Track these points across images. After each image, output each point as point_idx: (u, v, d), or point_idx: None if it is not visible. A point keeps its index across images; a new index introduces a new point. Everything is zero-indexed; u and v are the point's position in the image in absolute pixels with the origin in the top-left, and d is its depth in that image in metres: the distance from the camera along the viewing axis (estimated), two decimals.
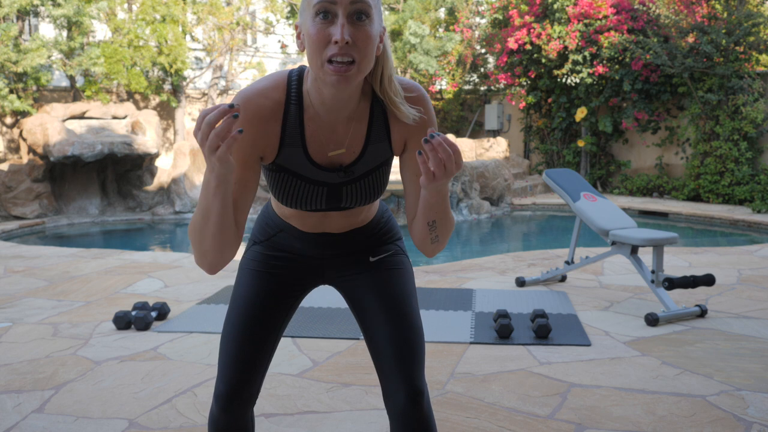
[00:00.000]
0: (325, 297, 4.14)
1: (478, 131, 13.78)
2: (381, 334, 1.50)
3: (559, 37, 10.96)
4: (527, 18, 11.34)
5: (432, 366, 3.00)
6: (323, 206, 1.44)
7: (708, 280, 3.80)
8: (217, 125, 1.11)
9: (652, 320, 3.64)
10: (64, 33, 10.27)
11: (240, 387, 1.50)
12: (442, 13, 14.24)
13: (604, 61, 10.70)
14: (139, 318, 3.57)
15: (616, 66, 10.69)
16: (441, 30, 13.95)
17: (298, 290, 1.59)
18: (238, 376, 1.49)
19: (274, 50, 15.67)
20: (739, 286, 4.58)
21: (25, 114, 9.58)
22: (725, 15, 9.82)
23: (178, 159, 9.51)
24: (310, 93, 1.33)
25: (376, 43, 1.25)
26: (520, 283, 4.60)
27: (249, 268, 1.56)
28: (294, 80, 1.35)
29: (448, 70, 13.33)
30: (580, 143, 11.36)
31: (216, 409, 1.51)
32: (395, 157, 1.47)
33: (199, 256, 1.31)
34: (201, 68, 13.03)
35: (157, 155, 9.61)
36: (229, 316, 1.55)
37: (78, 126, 9.31)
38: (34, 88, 9.99)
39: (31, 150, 8.98)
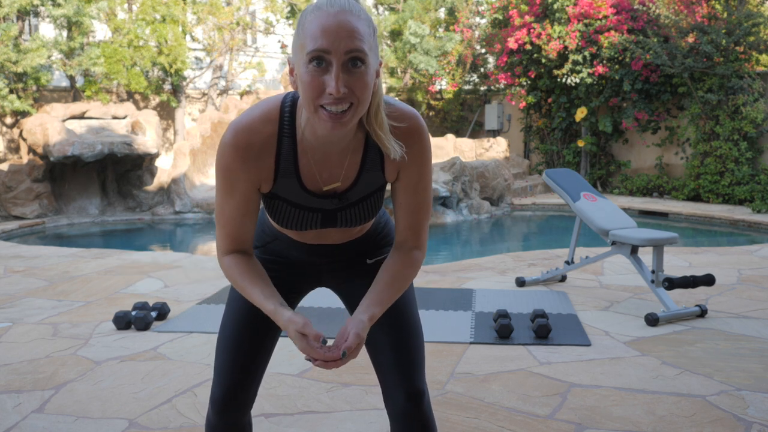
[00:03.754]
0: (325, 297, 4.14)
1: (478, 131, 13.78)
2: (380, 336, 1.50)
3: (559, 37, 10.96)
4: (527, 18, 11.34)
5: (432, 366, 3.00)
6: (318, 227, 1.43)
7: (708, 280, 3.80)
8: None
9: (652, 320, 3.64)
10: (64, 33, 10.27)
11: (236, 391, 1.48)
12: (442, 13, 14.24)
13: (604, 61, 10.70)
14: (139, 318, 3.57)
15: (616, 66, 10.69)
16: (441, 30, 13.95)
17: (294, 293, 1.58)
18: (234, 381, 1.48)
19: (274, 50, 15.66)
20: (739, 286, 4.58)
21: (25, 114, 9.58)
22: (725, 15, 9.81)
23: (178, 159, 9.51)
24: (303, 127, 1.31)
25: (371, 86, 1.21)
26: (520, 283, 4.60)
27: None
28: (287, 110, 1.32)
29: (448, 70, 13.33)
30: (580, 143, 11.36)
31: (212, 413, 1.50)
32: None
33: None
34: (201, 68, 13.03)
35: (157, 155, 9.61)
36: (225, 321, 1.53)
37: (78, 126, 9.31)
38: (34, 88, 9.99)
39: (31, 150, 8.98)
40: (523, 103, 11.99)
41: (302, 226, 1.42)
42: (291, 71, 1.26)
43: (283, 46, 15.61)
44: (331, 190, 1.37)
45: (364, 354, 3.14)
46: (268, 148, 1.32)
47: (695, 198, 10.22)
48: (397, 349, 1.48)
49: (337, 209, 1.40)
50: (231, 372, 1.48)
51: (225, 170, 1.32)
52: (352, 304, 1.57)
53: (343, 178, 1.37)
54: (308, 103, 1.20)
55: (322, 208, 1.39)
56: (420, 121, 1.35)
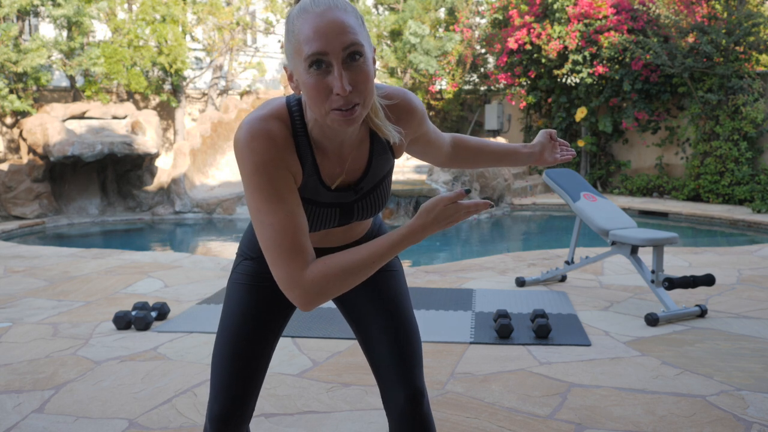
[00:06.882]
0: None
1: (478, 131, 13.78)
2: (378, 337, 1.49)
3: (559, 37, 10.96)
4: (527, 18, 11.34)
5: (432, 366, 3.00)
6: (335, 225, 1.42)
7: (708, 280, 3.80)
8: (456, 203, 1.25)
9: (652, 320, 3.64)
10: (64, 33, 10.27)
11: (235, 407, 1.46)
12: (442, 13, 14.24)
13: (604, 61, 10.70)
14: (139, 318, 3.57)
15: (616, 66, 10.69)
16: (441, 30, 13.95)
17: (287, 309, 1.54)
18: (232, 397, 1.45)
19: (274, 50, 15.66)
20: (739, 286, 4.58)
21: (25, 114, 9.58)
22: (725, 15, 9.82)
23: (178, 159, 9.51)
24: (312, 126, 1.30)
25: (373, 76, 1.22)
26: (520, 283, 4.60)
27: (240, 283, 1.51)
28: (295, 110, 1.30)
29: (448, 70, 13.33)
30: (580, 143, 11.36)
31: (211, 431, 1.47)
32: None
33: (325, 298, 1.25)
34: (201, 68, 13.03)
35: (157, 155, 9.61)
36: (221, 334, 1.49)
37: (78, 126, 9.31)
38: (34, 88, 9.99)
39: (31, 150, 8.99)
40: (523, 103, 11.99)
41: (321, 225, 1.40)
42: (290, 77, 1.25)
43: (283, 46, 15.61)
44: (346, 183, 1.38)
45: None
46: (288, 143, 1.28)
47: (695, 198, 10.22)
48: (396, 349, 1.47)
49: (354, 201, 1.40)
50: (229, 388, 1.45)
51: (260, 166, 1.23)
52: (346, 305, 1.56)
53: (356, 169, 1.37)
54: (317, 108, 1.19)
55: (340, 203, 1.39)
56: (408, 96, 1.39)
